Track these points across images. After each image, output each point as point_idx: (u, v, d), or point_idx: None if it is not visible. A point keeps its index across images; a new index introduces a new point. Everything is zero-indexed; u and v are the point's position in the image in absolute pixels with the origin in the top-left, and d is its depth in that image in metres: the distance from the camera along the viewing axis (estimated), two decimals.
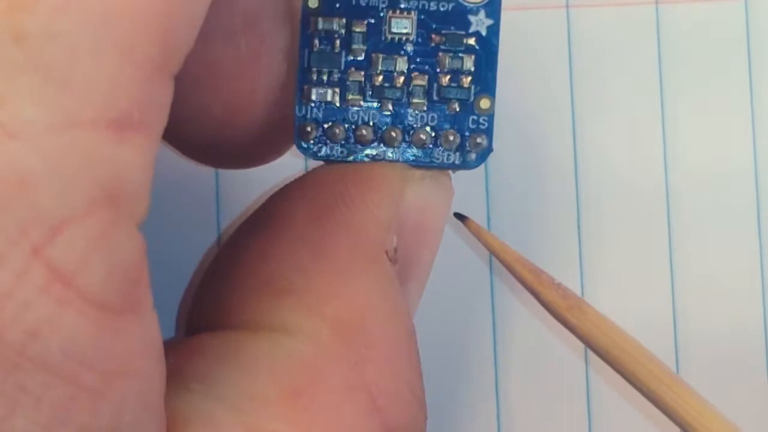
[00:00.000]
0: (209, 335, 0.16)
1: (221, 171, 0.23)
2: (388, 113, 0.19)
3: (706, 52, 0.23)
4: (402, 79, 0.19)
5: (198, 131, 0.18)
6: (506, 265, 0.18)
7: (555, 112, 0.23)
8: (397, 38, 0.19)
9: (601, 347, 0.17)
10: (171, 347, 0.15)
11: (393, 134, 0.19)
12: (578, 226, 0.23)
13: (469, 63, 0.19)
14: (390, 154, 0.19)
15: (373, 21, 0.19)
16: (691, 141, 0.23)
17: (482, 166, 0.19)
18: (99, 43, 0.11)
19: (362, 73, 0.19)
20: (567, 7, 0.23)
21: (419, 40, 0.19)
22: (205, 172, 0.23)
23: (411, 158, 0.19)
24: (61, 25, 0.11)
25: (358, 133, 0.19)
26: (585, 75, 0.23)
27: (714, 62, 0.23)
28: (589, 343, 0.18)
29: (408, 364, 0.17)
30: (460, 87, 0.19)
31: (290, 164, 0.20)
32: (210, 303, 0.17)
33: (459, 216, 0.19)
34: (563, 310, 0.18)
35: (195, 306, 0.18)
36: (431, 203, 0.19)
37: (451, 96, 0.19)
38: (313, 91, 0.19)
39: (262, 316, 0.16)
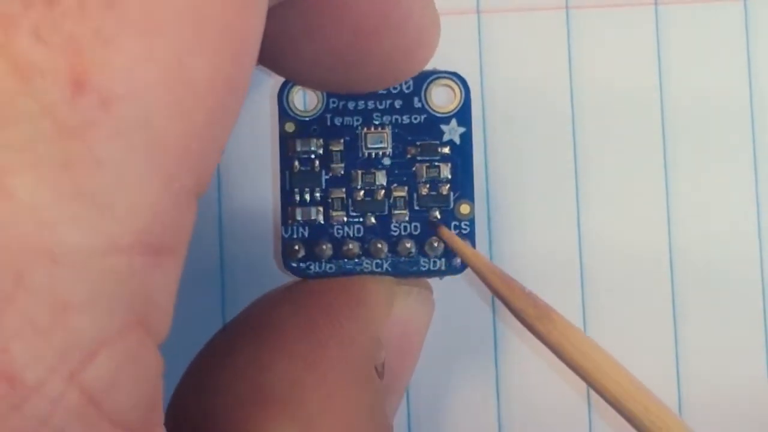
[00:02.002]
0: None
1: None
2: (372, 226, 0.19)
3: (706, 53, 0.23)
4: (382, 192, 0.19)
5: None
6: (478, 273, 0.18)
7: (554, 113, 0.23)
8: (374, 153, 0.19)
9: (569, 357, 0.17)
10: None
11: (378, 246, 0.19)
12: (578, 227, 0.23)
13: (445, 171, 0.19)
14: (376, 267, 0.19)
15: (349, 139, 0.19)
16: (691, 140, 0.23)
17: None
18: (143, 172, 0.11)
19: (343, 189, 0.19)
20: (567, 8, 0.23)
21: (395, 153, 0.19)
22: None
23: (397, 269, 0.19)
24: (109, 153, 0.11)
25: (344, 248, 0.19)
26: (584, 76, 0.23)
27: (713, 63, 0.23)
28: (558, 353, 0.17)
29: None
30: (440, 195, 0.19)
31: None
32: (197, 411, 0.17)
33: (431, 223, 0.19)
34: (533, 320, 0.17)
35: (181, 413, 0.18)
36: (415, 319, 0.19)
37: (432, 204, 0.19)
38: (297, 211, 0.19)
39: (252, 428, 0.16)
